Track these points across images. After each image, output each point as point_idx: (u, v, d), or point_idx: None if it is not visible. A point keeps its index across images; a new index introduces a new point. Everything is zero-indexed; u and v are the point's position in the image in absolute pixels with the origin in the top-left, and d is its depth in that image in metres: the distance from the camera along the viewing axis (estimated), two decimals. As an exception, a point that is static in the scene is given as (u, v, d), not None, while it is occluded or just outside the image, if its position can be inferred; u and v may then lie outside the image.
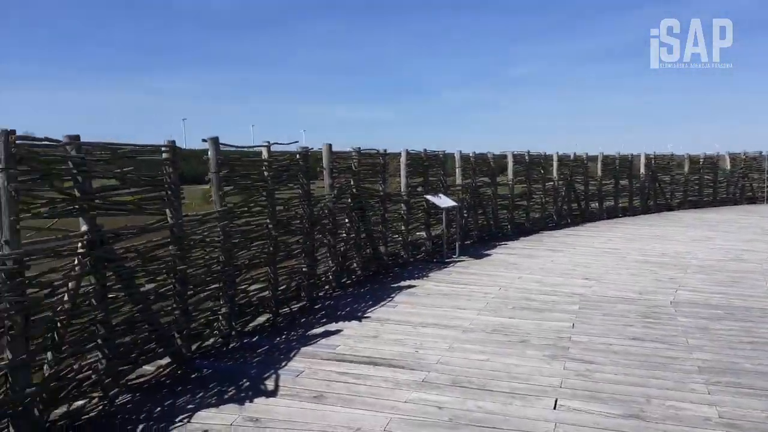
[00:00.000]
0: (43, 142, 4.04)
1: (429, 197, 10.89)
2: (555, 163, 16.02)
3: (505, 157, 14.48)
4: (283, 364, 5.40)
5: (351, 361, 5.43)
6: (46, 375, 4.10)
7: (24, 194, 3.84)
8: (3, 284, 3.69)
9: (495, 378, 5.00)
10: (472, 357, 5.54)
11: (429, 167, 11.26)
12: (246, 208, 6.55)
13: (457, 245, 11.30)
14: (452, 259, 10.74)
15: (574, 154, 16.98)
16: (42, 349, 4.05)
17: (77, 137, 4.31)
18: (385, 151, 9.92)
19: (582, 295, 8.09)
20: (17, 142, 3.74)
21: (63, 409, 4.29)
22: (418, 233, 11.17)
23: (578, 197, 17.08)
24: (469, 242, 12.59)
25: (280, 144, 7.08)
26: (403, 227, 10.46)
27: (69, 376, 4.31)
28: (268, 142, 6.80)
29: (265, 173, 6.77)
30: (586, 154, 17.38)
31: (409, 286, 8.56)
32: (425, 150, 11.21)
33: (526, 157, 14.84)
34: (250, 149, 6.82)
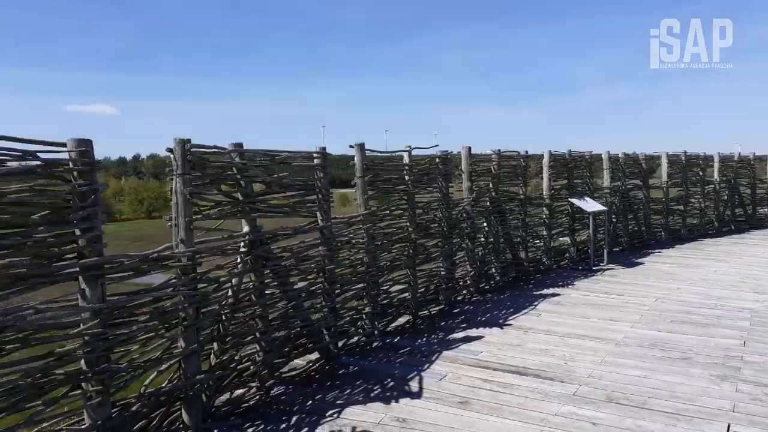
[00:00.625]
0: (212, 150, 4.39)
1: (574, 200, 10.39)
2: (716, 164, 14.56)
3: (657, 157, 13.42)
4: (426, 366, 5.41)
5: (495, 369, 5.30)
6: (212, 364, 4.45)
7: (196, 197, 4.20)
8: (178, 279, 4.06)
9: (655, 396, 4.61)
10: (627, 372, 5.15)
11: (574, 169, 10.75)
12: (388, 212, 6.68)
13: (605, 252, 10.65)
14: (600, 267, 10.15)
15: (739, 153, 15.32)
16: (209, 339, 4.40)
17: (240, 145, 4.64)
18: (526, 152, 9.62)
19: (753, 310, 7.23)
20: (192, 149, 4.10)
21: (226, 396, 4.64)
22: (561, 239, 10.70)
23: (743, 201, 15.38)
24: (618, 249, 11.83)
25: (421, 148, 7.14)
26: (544, 232, 10.08)
27: (231, 365, 4.64)
28: (410, 146, 6.88)
29: (406, 177, 6.85)
30: (753, 153, 15.61)
31: (553, 295, 8.20)
32: (569, 151, 10.71)
33: (683, 158, 13.64)
34: (393, 154, 6.94)
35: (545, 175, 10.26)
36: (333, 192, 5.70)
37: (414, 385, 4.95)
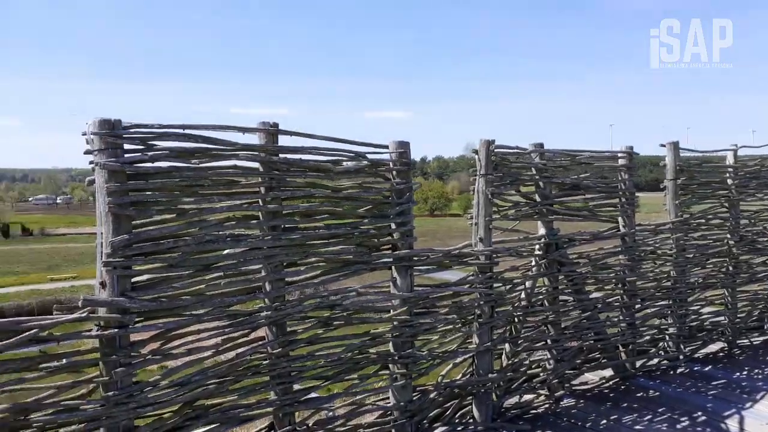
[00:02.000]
0: (514, 150, 4.39)
1: None
2: None
3: None
4: (747, 405, 4.58)
5: None
6: (504, 365, 4.45)
7: (496, 197, 4.24)
8: (476, 276, 4.15)
9: None
10: None
11: None
12: (703, 220, 5.84)
13: None
14: None
15: None
16: (501, 340, 4.41)
17: (541, 145, 4.54)
18: None
19: None
20: (495, 150, 4.15)
21: (515, 399, 4.59)
22: None
23: None
24: None
25: (750, 147, 6.08)
26: None
27: (521, 369, 4.58)
28: (736, 145, 5.91)
29: (729, 181, 5.90)
30: None
31: None
32: None
33: None
34: (712, 154, 6.04)
35: None
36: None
37: (732, 425, 4.23)
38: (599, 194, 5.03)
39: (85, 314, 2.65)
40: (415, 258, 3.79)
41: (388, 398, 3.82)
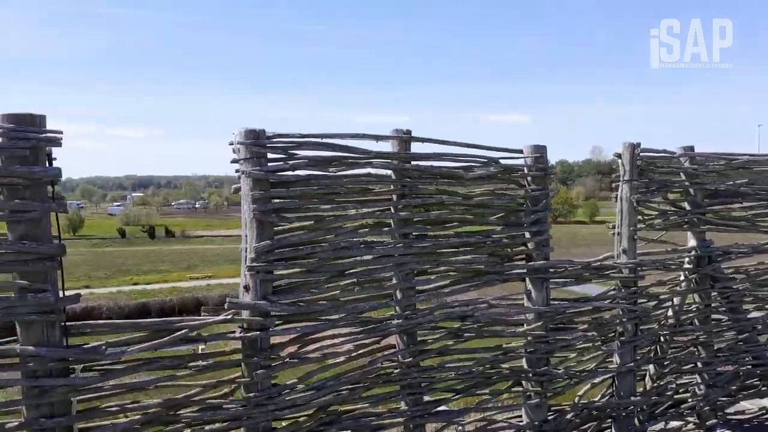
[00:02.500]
0: (660, 154, 4.03)
1: None
2: None
3: None
4: None
5: None
6: (648, 387, 4.09)
7: (642, 205, 3.91)
8: (618, 291, 3.85)
9: None
10: None
11: None
12: None
13: None
14: None
15: None
16: (645, 360, 4.06)
17: (691, 148, 4.15)
18: None
19: None
20: (640, 154, 3.84)
21: (660, 425, 4.21)
22: None
23: None
24: None
25: None
26: None
27: (667, 393, 4.20)
28: None
29: None
30: None
31: None
32: None
33: None
34: None
35: None
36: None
37: None
38: (759, 202, 4.48)
39: (230, 316, 2.75)
40: (552, 270, 3.59)
41: (520, 416, 3.65)
